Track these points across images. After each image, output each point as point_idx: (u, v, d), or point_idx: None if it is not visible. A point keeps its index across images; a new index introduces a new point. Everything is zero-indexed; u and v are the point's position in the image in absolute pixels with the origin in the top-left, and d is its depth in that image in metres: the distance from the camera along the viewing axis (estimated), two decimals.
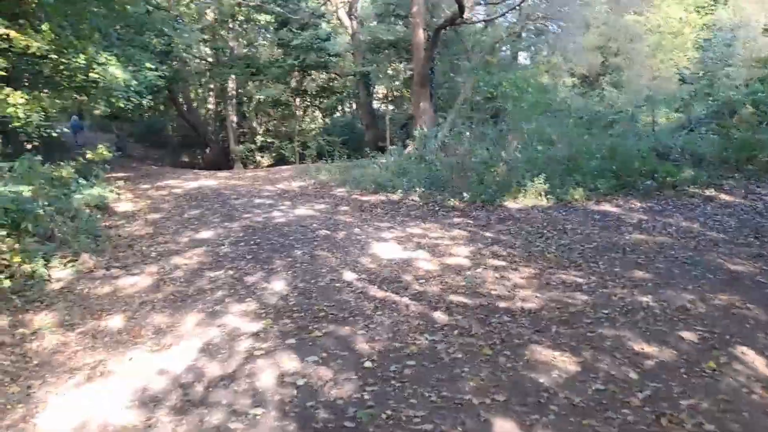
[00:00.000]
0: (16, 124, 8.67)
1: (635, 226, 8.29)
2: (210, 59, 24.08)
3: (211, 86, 27.43)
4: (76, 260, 6.91)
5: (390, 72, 22.51)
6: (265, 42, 24.60)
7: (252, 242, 8.19)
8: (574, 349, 4.14)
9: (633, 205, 9.63)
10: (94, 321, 5.23)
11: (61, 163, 13.13)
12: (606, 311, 4.81)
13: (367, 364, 4.05)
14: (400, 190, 12.37)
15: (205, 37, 19.93)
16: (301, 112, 25.60)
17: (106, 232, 8.61)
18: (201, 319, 5.21)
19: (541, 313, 4.88)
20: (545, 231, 8.29)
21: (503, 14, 16.87)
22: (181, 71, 22.42)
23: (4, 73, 8.46)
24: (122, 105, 11.16)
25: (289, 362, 4.14)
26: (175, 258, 7.46)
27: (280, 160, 27.01)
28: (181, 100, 26.62)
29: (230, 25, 22.91)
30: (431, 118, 18.88)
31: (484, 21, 16.73)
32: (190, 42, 19.61)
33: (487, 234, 8.40)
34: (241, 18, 20.53)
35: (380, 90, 28.76)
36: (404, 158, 16.01)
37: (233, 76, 23.99)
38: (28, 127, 8.91)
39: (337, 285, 6.07)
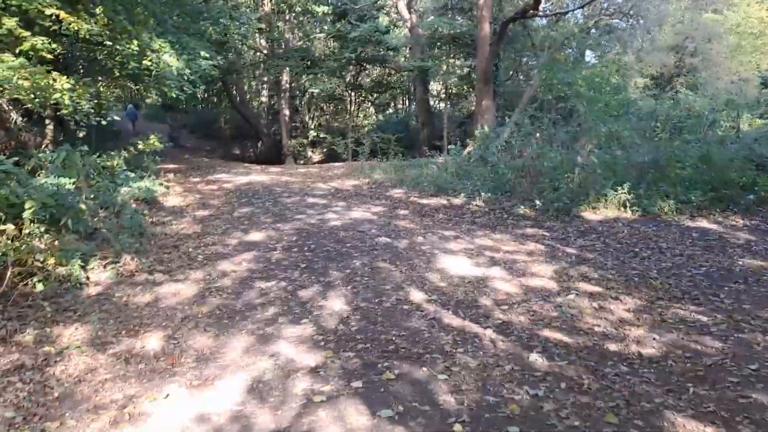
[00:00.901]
0: (65, 111, 8.17)
1: (744, 248, 7.14)
2: (265, 51, 23.61)
3: (265, 79, 27.06)
4: (117, 262, 6.30)
5: (448, 68, 21.52)
6: (321, 34, 24.00)
7: (306, 248, 7.44)
8: (728, 422, 3.17)
9: (735, 223, 8.44)
10: (129, 339, 4.55)
11: (112, 152, 12.81)
12: (753, 366, 3.81)
13: (457, 427, 3.18)
14: (462, 194, 11.47)
15: (262, 26, 19.38)
16: (355, 108, 24.85)
17: (151, 230, 8.03)
18: (250, 345, 4.46)
19: (666, 363, 3.92)
20: (637, 249, 7.24)
21: (582, 6, 15.67)
22: (235, 63, 22.03)
23: (49, 56, 7.94)
24: (175, 94, 10.64)
25: (358, 416, 3.32)
26: (222, 263, 6.78)
27: (331, 156, 26.44)
28: (234, 92, 26.33)
29: (286, 17, 22.39)
30: (493, 117, 17.86)
31: (557, 14, 15.58)
32: (247, 33, 19.11)
33: (569, 250, 7.40)
34: (298, 9, 19.93)
35: (435, 87, 27.83)
36: (464, 159, 15.07)
37: (287, 69, 23.51)
38: (77, 115, 8.41)
39: (405, 307, 5.23)
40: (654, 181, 10.03)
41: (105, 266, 6.19)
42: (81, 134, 14.08)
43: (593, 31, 22.49)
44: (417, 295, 5.56)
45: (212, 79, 22.36)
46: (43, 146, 12.24)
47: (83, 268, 5.90)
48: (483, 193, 11.16)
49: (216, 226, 8.85)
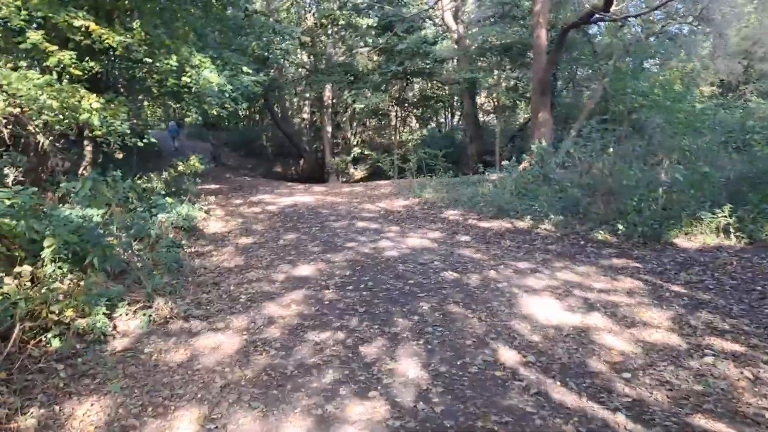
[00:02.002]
0: (97, 133, 7.45)
1: None
2: (307, 66, 23.01)
3: (307, 95, 26.49)
4: (149, 306, 5.43)
5: (499, 79, 20.43)
6: (365, 48, 23.26)
7: (362, 285, 6.45)
8: None
9: None
10: (156, 420, 3.62)
11: (151, 174, 12.17)
12: None
13: None
14: (527, 216, 10.33)
15: (305, 38, 18.69)
16: (400, 123, 23.94)
17: (189, 264, 7.17)
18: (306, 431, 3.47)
19: None
20: (760, 287, 5.99)
21: (656, 8, 14.41)
22: (277, 79, 21.47)
23: (79, 72, 7.22)
24: (216, 112, 9.89)
25: None
26: (268, 305, 5.84)
27: (375, 174, 25.57)
28: (276, 109, 25.81)
29: (329, 31, 21.74)
30: (551, 130, 16.64)
31: (625, 17, 14.36)
32: (289, 48, 18.50)
33: (675, 288, 6.20)
34: (341, 22, 19.21)
35: (480, 99, 26.74)
36: (521, 176, 13.92)
37: (330, 84, 22.81)
38: (110, 136, 7.69)
39: (497, 373, 4.16)
40: (757, 201, 8.70)
41: (135, 312, 5.32)
42: (120, 156, 13.59)
43: (651, 38, 21.09)
44: (508, 355, 4.48)
45: (254, 96, 21.91)
46: (81, 170, 11.69)
47: (109, 316, 5.04)
48: (551, 215, 10.02)
49: (260, 256, 7.96)
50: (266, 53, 15.45)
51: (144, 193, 10.51)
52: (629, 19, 17.17)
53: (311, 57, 22.24)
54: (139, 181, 11.96)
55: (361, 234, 9.47)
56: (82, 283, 5.25)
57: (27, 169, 10.76)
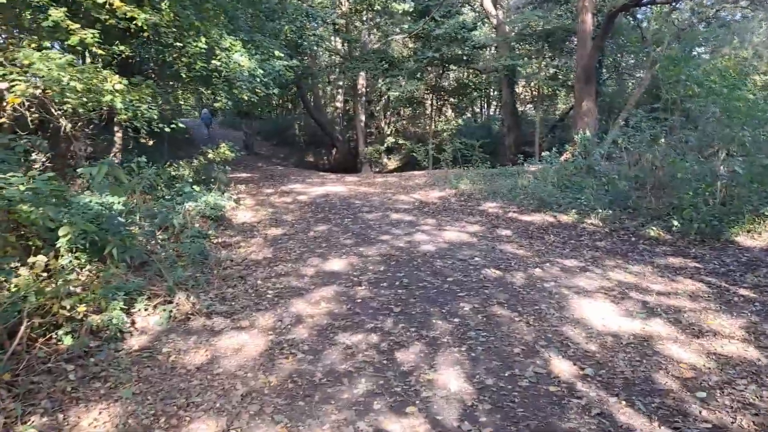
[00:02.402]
0: (122, 117, 7.15)
1: None
2: (341, 53, 22.56)
3: (341, 83, 26.05)
4: (170, 301, 5.08)
5: (540, 67, 19.65)
6: (400, 35, 22.66)
7: (397, 282, 6.00)
8: None
9: None
10: None
11: (181, 162, 11.92)
12: None
13: None
14: (572, 210, 9.72)
15: (339, 22, 18.19)
16: (435, 112, 23.31)
17: (215, 256, 6.82)
18: None
19: None
20: None
21: None
22: (310, 66, 21.08)
23: (101, 51, 6.90)
24: (246, 97, 9.51)
25: None
26: (297, 302, 5.44)
27: (409, 164, 25.05)
28: (309, 97, 25.45)
29: (364, 17, 21.22)
30: (595, 120, 15.89)
31: (677, 1, 13.51)
32: (322, 34, 18.08)
33: (742, 292, 5.59)
34: (377, 8, 18.68)
35: (518, 89, 25.91)
36: (563, 167, 13.25)
37: (364, 72, 22.31)
38: (137, 121, 7.39)
39: (552, 389, 3.67)
40: None
41: (155, 307, 4.99)
42: (151, 142, 13.38)
43: (701, 25, 20.00)
44: (562, 367, 3.98)
45: (287, 83, 21.55)
46: (111, 156, 11.49)
47: (126, 311, 4.71)
48: (599, 209, 9.40)
49: (289, 249, 7.58)
50: (299, 39, 15.01)
51: (172, 181, 10.25)
52: (680, 3, 16.26)
53: (345, 44, 21.76)
54: (169, 169, 11.75)
55: (395, 226, 9.02)
56: (100, 275, 4.93)
57: (55, 155, 10.63)
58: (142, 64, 12.14)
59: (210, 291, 5.66)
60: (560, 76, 21.36)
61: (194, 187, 8.81)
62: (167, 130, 8.24)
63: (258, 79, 10.16)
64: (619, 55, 18.80)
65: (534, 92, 27.42)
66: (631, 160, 11.33)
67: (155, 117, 7.87)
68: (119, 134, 12.03)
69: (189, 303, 5.07)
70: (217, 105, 9.93)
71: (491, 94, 32.51)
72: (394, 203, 11.46)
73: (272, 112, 34.63)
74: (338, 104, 27.82)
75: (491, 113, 33.34)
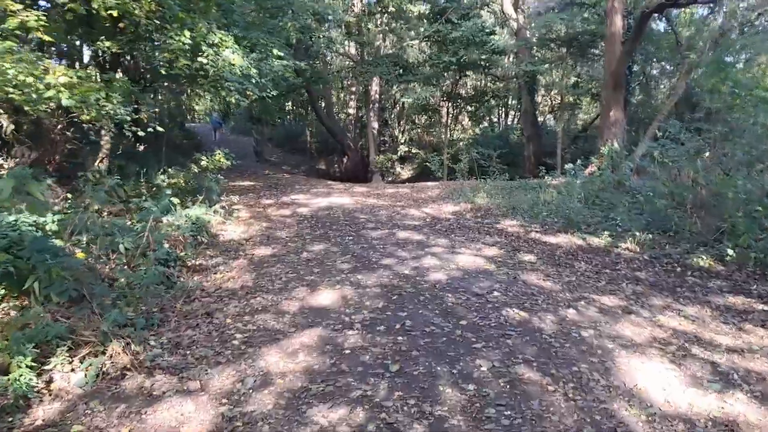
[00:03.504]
0: (84, 118, 6.10)
1: None
2: (354, 57, 21.52)
3: (353, 89, 25.03)
4: (104, 351, 3.97)
5: (564, 73, 18.43)
6: (415, 40, 21.55)
7: (398, 326, 4.84)
8: None
9: None
10: None
11: (169, 170, 10.90)
12: None
13: None
14: (605, 232, 8.50)
15: (350, 20, 17.10)
16: (451, 120, 22.11)
17: (184, 284, 5.72)
18: None
19: None
20: None
21: None
22: (321, 71, 20.07)
23: (49, 39, 5.85)
24: (234, 99, 8.42)
25: None
26: (268, 352, 4.30)
27: (423, 174, 23.90)
28: (321, 103, 24.43)
29: (378, 19, 20.17)
30: (624, 131, 14.62)
31: (718, 1, 12.26)
32: (334, 37, 17.05)
33: None
34: (392, 9, 17.61)
35: (538, 98, 24.66)
36: (589, 182, 12.04)
37: (377, 78, 21.23)
38: (98, 120, 6.34)
39: None
40: None
41: (82, 359, 3.88)
42: (141, 148, 12.39)
43: (733, 33, 18.62)
44: None
45: (293, 87, 20.53)
46: (96, 163, 10.50)
47: (40, 368, 3.60)
48: (636, 232, 8.17)
49: (275, 275, 6.45)
50: (304, 36, 13.95)
51: (154, 192, 9.21)
52: (720, 5, 14.97)
53: (358, 47, 20.72)
54: (162, 177, 10.72)
55: (401, 247, 7.86)
56: (11, 316, 3.85)
57: (34, 161, 9.64)
58: (132, 62, 11.17)
59: (163, 334, 4.54)
60: (581, 84, 20.11)
61: (173, 200, 7.72)
62: (141, 133, 7.15)
63: (254, 80, 9.10)
64: (647, 63, 17.51)
65: (555, 101, 26.16)
66: (668, 175, 10.07)
67: (127, 119, 6.81)
68: (106, 138, 11.02)
69: (127, 354, 3.95)
70: (197, 108, 8.84)
71: (509, 102, 31.31)
72: (403, 218, 10.32)
73: (284, 118, 33.75)
74: (351, 111, 26.80)
75: (509, 123, 32.09)
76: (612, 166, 12.87)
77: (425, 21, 19.15)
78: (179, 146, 19.77)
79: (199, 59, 8.13)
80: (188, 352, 4.25)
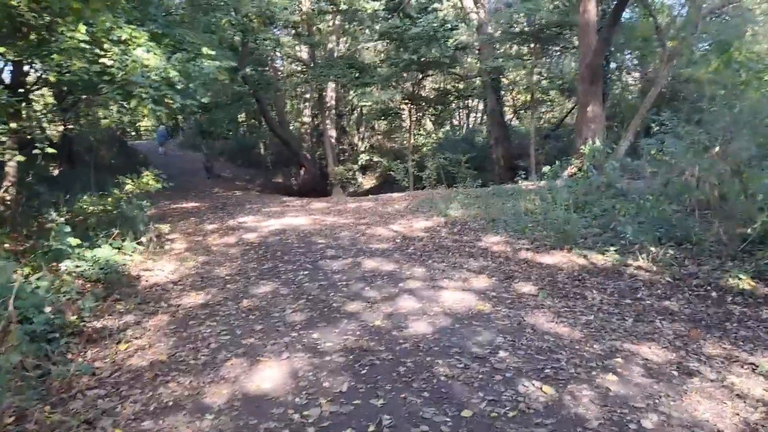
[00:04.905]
0: None
1: None
2: (304, 59, 19.90)
3: (308, 96, 23.40)
4: None
5: (531, 69, 17.19)
6: (370, 43, 20.02)
7: (371, 427, 3.27)
8: None
9: None
10: None
11: (84, 198, 9.11)
12: None
13: None
14: (612, 248, 7.11)
15: (295, 20, 15.47)
16: (414, 124, 20.65)
17: (60, 372, 4.01)
18: None
19: None
20: None
21: None
22: (269, 77, 18.39)
23: None
24: (147, 109, 6.67)
25: None
26: None
27: (386, 183, 22.41)
28: (273, 112, 22.66)
29: (329, 20, 18.60)
30: (603, 127, 13.41)
31: None
32: (280, 38, 15.41)
33: None
34: (343, 6, 16.07)
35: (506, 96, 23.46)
36: (574, 186, 10.75)
37: (332, 84, 19.66)
38: None
39: None
40: None
41: None
42: (55, 170, 10.55)
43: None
44: None
45: (241, 96, 18.80)
46: (1, 190, 8.65)
47: None
48: (651, 247, 6.80)
49: (202, 339, 4.80)
50: (246, 37, 12.30)
51: (72, 225, 7.41)
52: None
53: (310, 50, 19.11)
54: (80, 204, 8.91)
55: (369, 283, 6.31)
56: None
57: None
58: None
59: None
60: (552, 79, 18.95)
61: (70, 240, 5.97)
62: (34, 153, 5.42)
63: (179, 86, 7.42)
64: (623, 53, 16.44)
65: (517, 100, 25.07)
66: (669, 175, 8.79)
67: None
68: (12, 163, 9.14)
69: None
70: (104, 122, 7.12)
71: (470, 104, 30.12)
72: (369, 240, 8.78)
73: (236, 130, 31.83)
74: (306, 119, 25.14)
75: (471, 124, 30.93)
76: (594, 166, 11.63)
77: (380, 19, 17.67)
78: (116, 167, 17.79)
79: (102, 60, 6.41)
80: None
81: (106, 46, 6.44)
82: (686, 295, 5.60)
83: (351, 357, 4.21)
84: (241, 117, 30.62)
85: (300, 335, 4.76)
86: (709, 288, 5.69)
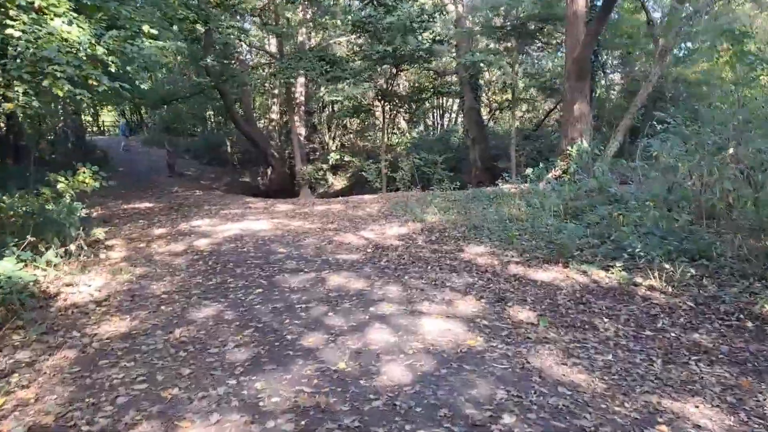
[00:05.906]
0: None
1: None
2: (273, 55, 18.68)
3: (276, 91, 22.14)
4: None
5: (512, 64, 16.28)
6: (342, 37, 18.85)
7: None
8: None
9: None
10: None
11: (8, 196, 7.82)
12: None
13: None
14: (617, 263, 6.15)
15: (259, 3, 14.25)
16: (387, 123, 19.57)
17: None
18: None
19: None
20: None
21: None
22: (234, 68, 17.13)
23: None
24: (62, 92, 5.40)
25: None
26: None
27: (358, 183, 21.30)
28: (239, 108, 21.35)
29: (299, 9, 17.43)
30: (590, 126, 12.57)
31: None
32: (244, 26, 14.19)
33: None
34: None
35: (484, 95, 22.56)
36: (562, 189, 9.88)
37: (302, 80, 18.47)
38: None
39: None
40: None
41: None
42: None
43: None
44: None
45: (201, 89, 17.51)
46: None
47: None
48: (664, 264, 5.86)
49: (108, 388, 3.65)
50: (207, 23, 11.07)
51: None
52: None
53: (276, 39, 17.90)
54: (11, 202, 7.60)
55: (334, 307, 5.22)
56: None
57: None
58: None
59: None
60: (535, 77, 18.13)
61: None
62: None
63: (111, 67, 6.22)
64: (607, 51, 15.64)
65: (494, 99, 24.20)
66: (674, 179, 7.90)
67: None
68: None
69: None
70: (7, 106, 5.87)
71: (445, 104, 29.22)
72: (337, 250, 7.69)
73: (202, 126, 30.36)
74: (274, 116, 23.87)
75: (446, 125, 30.05)
76: (588, 169, 10.80)
77: (353, 10, 16.55)
78: (67, 163, 16.29)
79: (8, 31, 5.19)
80: None
81: (12, 12, 5.22)
82: (715, 325, 4.65)
83: (303, 423, 3.11)
84: (210, 113, 29.19)
85: (239, 384, 3.64)
86: (742, 317, 4.75)
